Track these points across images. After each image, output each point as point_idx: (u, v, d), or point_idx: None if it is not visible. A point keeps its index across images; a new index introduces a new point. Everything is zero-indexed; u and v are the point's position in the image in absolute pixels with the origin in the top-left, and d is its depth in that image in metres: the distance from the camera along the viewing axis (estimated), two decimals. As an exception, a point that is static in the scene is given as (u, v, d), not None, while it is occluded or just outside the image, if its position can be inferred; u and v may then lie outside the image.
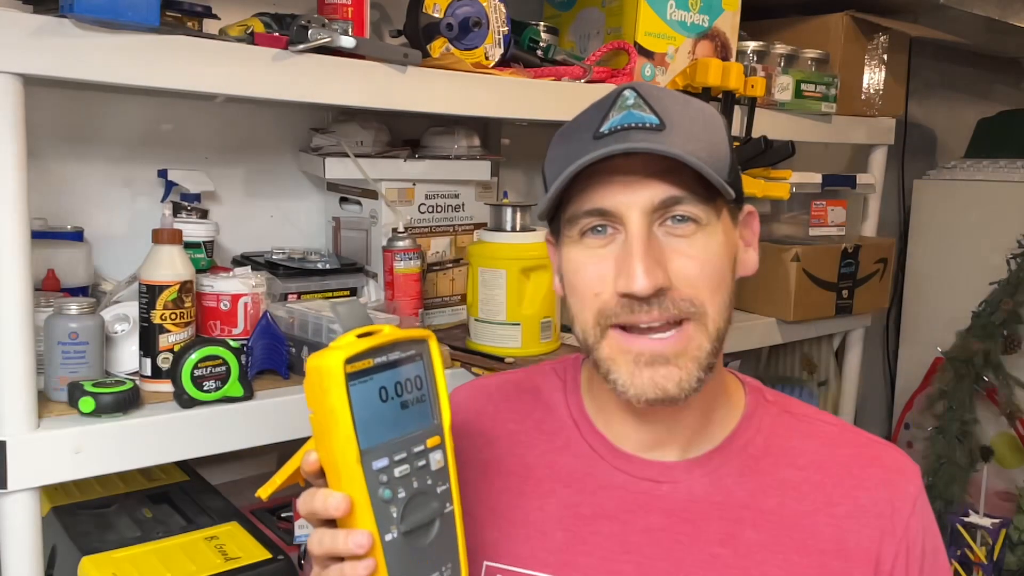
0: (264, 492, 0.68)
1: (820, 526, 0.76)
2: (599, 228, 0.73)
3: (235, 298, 1.12)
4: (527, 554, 0.77)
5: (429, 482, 0.64)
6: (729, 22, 1.55)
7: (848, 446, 0.82)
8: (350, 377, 0.60)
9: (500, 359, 1.25)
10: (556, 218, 0.78)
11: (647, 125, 0.71)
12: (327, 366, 0.60)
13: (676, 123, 0.72)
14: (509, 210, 1.30)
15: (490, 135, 1.65)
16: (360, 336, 0.62)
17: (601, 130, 0.72)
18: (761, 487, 0.78)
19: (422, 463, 0.64)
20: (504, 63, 1.33)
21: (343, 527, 0.62)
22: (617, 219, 0.72)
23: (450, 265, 1.45)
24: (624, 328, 0.72)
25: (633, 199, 0.71)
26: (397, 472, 0.62)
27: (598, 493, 0.79)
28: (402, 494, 0.62)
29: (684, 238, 0.72)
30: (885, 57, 1.88)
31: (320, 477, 0.63)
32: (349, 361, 0.60)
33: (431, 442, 0.65)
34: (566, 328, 1.40)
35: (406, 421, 0.64)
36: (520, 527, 0.79)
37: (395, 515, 0.62)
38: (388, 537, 0.61)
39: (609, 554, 0.76)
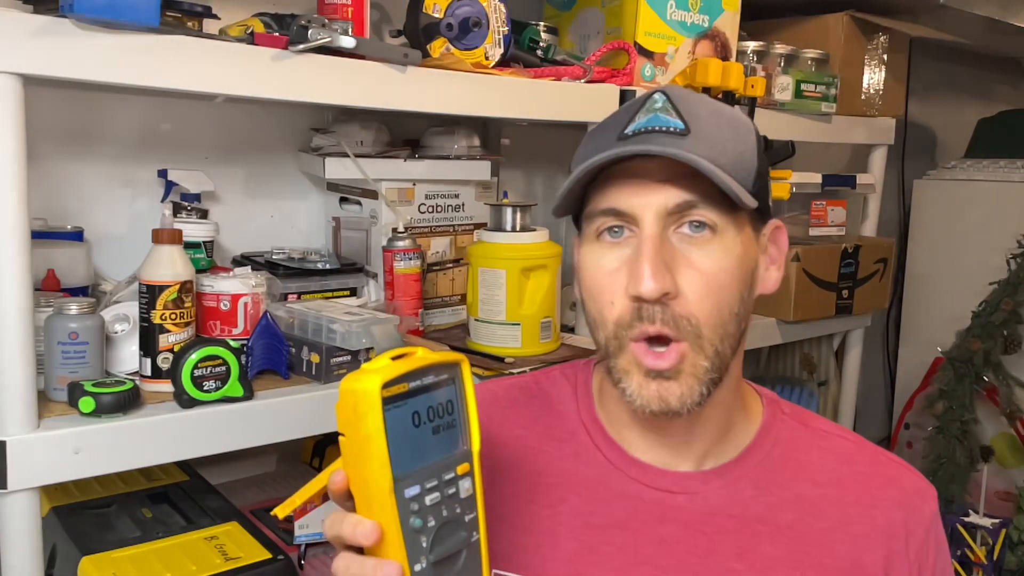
0: (282, 511, 0.67)
1: (836, 544, 0.76)
2: (615, 229, 0.73)
3: (235, 298, 1.12)
4: (537, 563, 0.76)
5: (458, 510, 0.63)
6: (729, 22, 1.55)
7: (866, 463, 0.81)
8: (386, 402, 0.58)
9: (500, 359, 1.25)
10: (579, 217, 0.78)
11: (671, 129, 0.71)
12: (364, 390, 0.57)
13: (702, 129, 0.71)
14: (509, 210, 1.30)
15: (490, 135, 1.65)
16: (394, 359, 0.61)
17: (626, 131, 0.72)
18: (778, 501, 0.77)
19: (452, 491, 0.62)
20: (504, 63, 1.33)
21: (371, 555, 0.60)
22: (632, 221, 0.71)
23: (450, 265, 1.45)
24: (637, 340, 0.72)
25: (648, 201, 0.70)
26: (428, 500, 0.60)
27: (611, 502, 0.77)
28: (432, 523, 0.60)
29: (697, 246, 0.71)
30: (885, 57, 1.88)
31: (348, 500, 0.62)
32: (385, 386, 0.58)
33: (461, 469, 0.63)
34: (566, 328, 1.40)
35: (437, 447, 0.62)
36: (530, 535, 0.77)
37: (425, 545, 0.60)
38: (417, 567, 0.60)
39: (622, 564, 0.75)
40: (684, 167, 0.69)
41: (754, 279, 0.76)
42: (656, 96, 0.74)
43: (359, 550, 0.61)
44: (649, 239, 0.70)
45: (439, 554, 0.61)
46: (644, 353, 0.71)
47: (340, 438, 0.60)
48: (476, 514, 0.64)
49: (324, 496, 0.65)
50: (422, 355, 0.62)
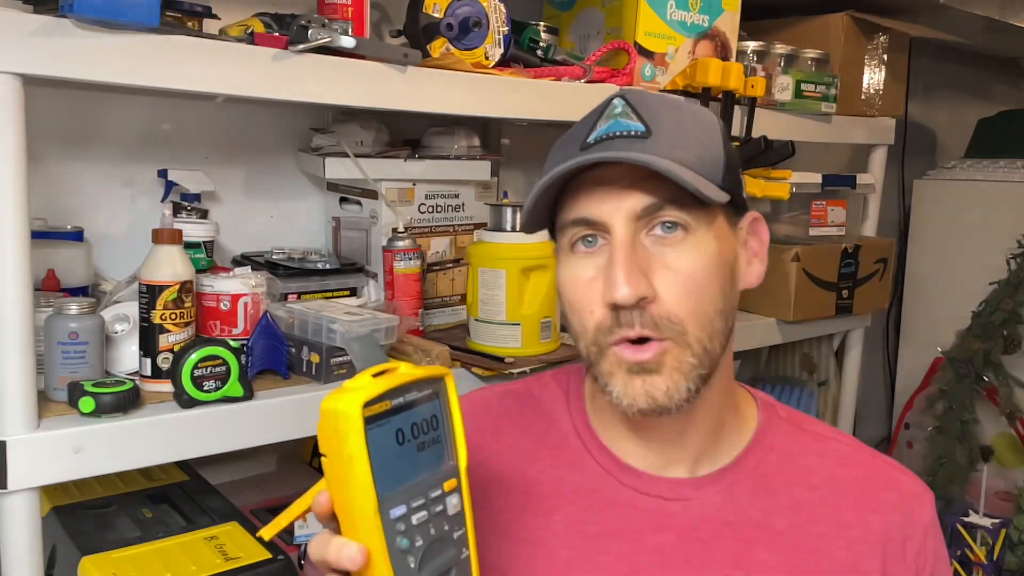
0: (267, 533, 0.66)
1: (833, 549, 0.75)
2: (589, 239, 0.73)
3: (235, 298, 1.12)
4: (531, 574, 0.76)
5: (446, 528, 0.62)
6: (729, 22, 1.55)
7: (862, 467, 0.81)
8: (368, 421, 0.57)
9: (500, 359, 1.25)
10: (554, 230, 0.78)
11: (632, 133, 0.71)
12: (344, 411, 0.56)
13: (663, 129, 0.71)
14: (509, 210, 1.30)
15: (490, 135, 1.65)
16: (376, 376, 0.59)
17: (588, 140, 0.72)
18: (774, 507, 0.77)
19: (439, 508, 0.61)
20: (504, 63, 1.33)
21: None
22: (603, 228, 0.71)
23: (450, 265, 1.45)
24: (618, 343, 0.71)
25: (616, 207, 0.70)
26: (415, 519, 0.59)
27: (606, 510, 0.77)
28: (419, 542, 0.59)
29: (671, 247, 0.71)
30: (885, 57, 1.88)
31: (333, 521, 0.60)
32: (367, 405, 0.57)
33: (448, 485, 0.62)
34: (566, 328, 1.40)
35: (422, 464, 0.61)
36: (524, 545, 0.77)
37: (412, 565, 0.59)
38: None
39: (617, 574, 0.75)
40: (649, 170, 0.69)
41: (735, 274, 0.76)
42: (615, 101, 0.74)
43: (346, 574, 0.60)
44: (620, 245, 0.70)
45: (428, 574, 0.60)
46: (624, 350, 0.71)
47: (322, 459, 0.59)
48: (465, 531, 0.63)
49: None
50: (405, 371, 0.61)
